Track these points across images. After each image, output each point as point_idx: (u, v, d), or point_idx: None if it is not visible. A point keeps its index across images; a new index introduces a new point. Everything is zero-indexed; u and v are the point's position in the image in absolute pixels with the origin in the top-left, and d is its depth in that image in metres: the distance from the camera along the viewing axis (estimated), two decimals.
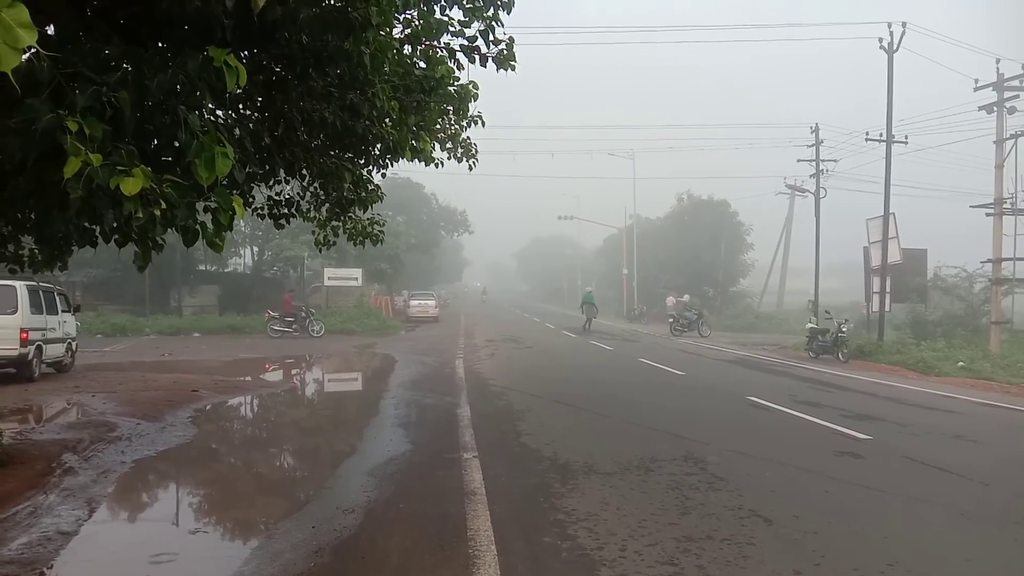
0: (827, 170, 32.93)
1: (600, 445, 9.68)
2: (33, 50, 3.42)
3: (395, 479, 7.92)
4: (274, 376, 18.40)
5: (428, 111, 9.26)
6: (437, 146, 10.89)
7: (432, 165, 10.78)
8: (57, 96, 3.85)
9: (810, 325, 26.06)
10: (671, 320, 35.71)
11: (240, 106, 7.44)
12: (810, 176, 33.04)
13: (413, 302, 45.92)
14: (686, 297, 41.03)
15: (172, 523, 6.78)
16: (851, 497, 7.38)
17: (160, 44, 5.05)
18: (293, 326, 30.57)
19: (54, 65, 3.77)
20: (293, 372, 20.03)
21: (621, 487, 7.52)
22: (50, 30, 4.74)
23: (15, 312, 14.66)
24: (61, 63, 3.85)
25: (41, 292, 15.76)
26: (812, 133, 33.20)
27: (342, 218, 10.50)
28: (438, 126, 10.52)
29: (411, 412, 12.45)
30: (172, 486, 8.38)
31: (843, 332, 23.56)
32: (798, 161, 34.08)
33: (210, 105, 5.41)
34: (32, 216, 6.10)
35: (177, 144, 4.42)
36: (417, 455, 9.16)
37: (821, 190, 31.91)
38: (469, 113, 10.57)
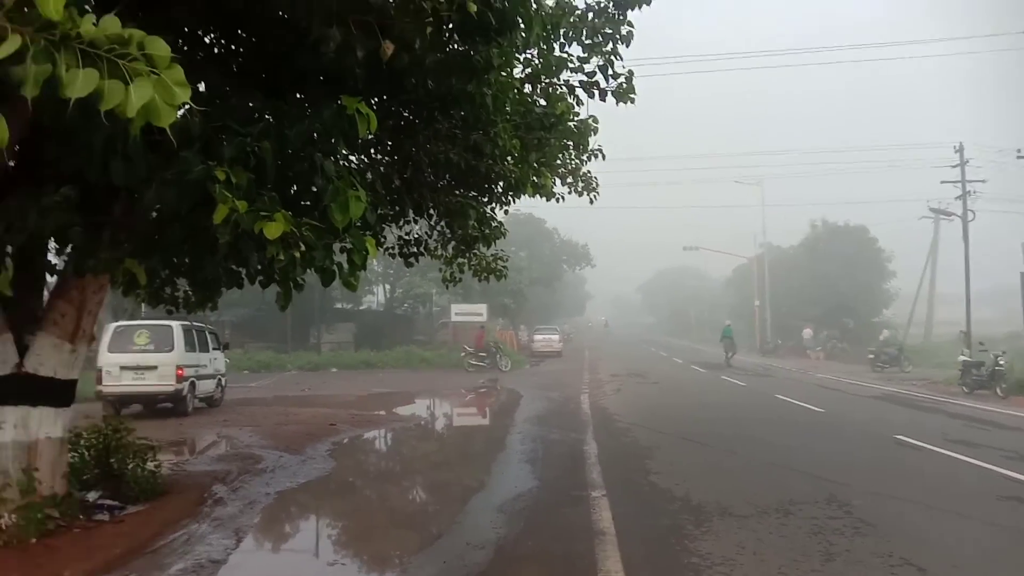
0: (974, 191, 30.69)
1: (734, 486, 9.25)
2: (187, 106, 3.70)
3: (523, 515, 7.86)
4: (405, 410, 18.87)
5: (549, 147, 9.35)
6: (558, 181, 10.97)
7: (553, 200, 10.86)
8: (207, 148, 4.15)
9: (963, 358, 24.06)
10: (871, 356, 33.92)
11: (371, 151, 7.79)
12: (956, 198, 30.92)
13: (537, 336, 46.15)
14: (886, 332, 38.62)
15: (312, 554, 7.02)
16: (1019, 546, 6.67)
17: (298, 95, 5.37)
18: (486, 360, 32.31)
19: (205, 119, 4.07)
20: (423, 406, 20.49)
21: (758, 530, 7.13)
22: (201, 87, 5.14)
23: (172, 350, 15.80)
24: (211, 117, 4.15)
25: (194, 331, 16.92)
26: (956, 153, 31.12)
27: (467, 255, 10.72)
28: (558, 161, 10.60)
29: (537, 447, 12.39)
30: (312, 518, 8.69)
31: (1000, 365, 21.60)
32: (942, 183, 31.97)
33: (344, 151, 5.69)
34: (186, 260, 6.58)
35: (314, 189, 4.66)
36: (545, 492, 9.07)
37: (969, 212, 29.77)
38: (589, 147, 10.59)
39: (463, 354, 32.96)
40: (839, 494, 8.60)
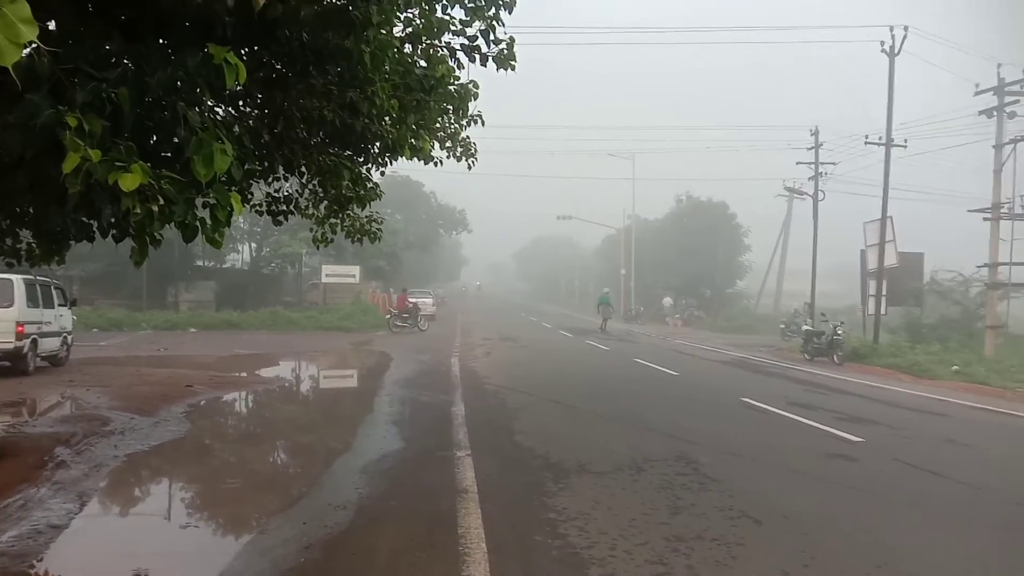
0: (826, 173, 32.96)
1: (593, 444, 9.73)
2: (34, 45, 3.46)
3: (388, 476, 7.96)
4: (269, 372, 18.44)
5: (428, 110, 9.27)
6: (437, 145, 10.92)
7: (431, 164, 10.82)
8: (57, 92, 3.89)
9: (806, 327, 26.13)
10: (782, 327, 35.19)
11: (240, 103, 7.48)
12: (809, 179, 33.09)
13: (410, 300, 45.91)
14: (796, 305, 39.09)
15: (164, 518, 6.83)
16: (842, 499, 7.44)
17: (160, 41, 5.09)
18: (408, 321, 33.17)
19: (54, 61, 3.81)
20: (288, 368, 20.09)
21: (613, 487, 7.58)
22: (51, 26, 4.78)
23: (11, 305, 14.67)
24: (61, 59, 3.89)
25: (38, 286, 15.78)
26: (812, 136, 33.24)
27: (340, 215, 10.53)
28: (438, 125, 10.53)
29: (405, 409, 12.50)
30: (164, 481, 8.41)
31: (839, 335, 23.62)
32: (797, 164, 34.08)
33: (209, 102, 5.45)
34: (30, 210, 6.14)
35: (176, 140, 4.47)
36: (410, 452, 9.20)
37: (820, 192, 31.94)
38: (469, 112, 10.59)
39: (388, 316, 33.77)
40: (688, 452, 9.24)
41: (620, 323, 46.82)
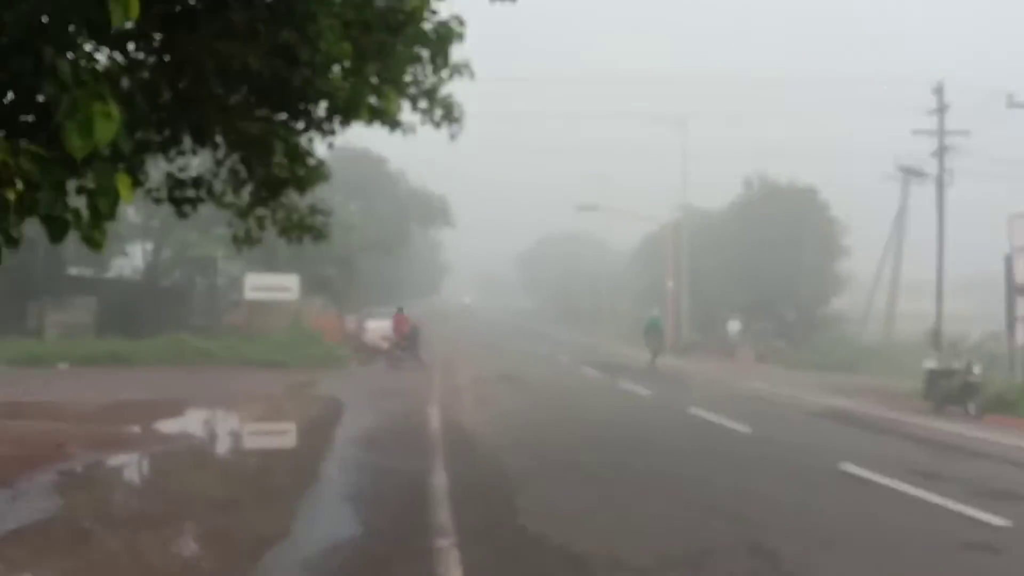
0: (953, 147, 32.93)
1: (631, 530, 9.69)
2: None
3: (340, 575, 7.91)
4: (172, 426, 18.39)
5: (393, 57, 9.30)
6: (406, 104, 10.95)
7: (399, 130, 10.83)
8: None
9: (929, 366, 25.93)
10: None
11: (131, 47, 7.50)
12: (931, 155, 33.07)
13: (370, 324, 45.63)
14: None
15: None
16: None
17: None
18: (409, 351, 34.77)
19: None
20: (199, 420, 20.04)
21: None
22: None
23: None
24: None
25: None
26: (934, 95, 33.26)
27: (271, 204, 10.55)
28: (407, 77, 10.57)
29: (363, 479, 12.47)
30: None
31: (975, 375, 23.49)
32: (914, 133, 34.08)
33: (88, 46, 5.46)
34: None
35: (41, 100, 4.47)
36: (372, 541, 9.16)
37: (946, 174, 31.93)
38: (451, 60, 10.61)
39: (389, 348, 35.39)
40: (766, 542, 9.19)
41: (669, 357, 46.81)
